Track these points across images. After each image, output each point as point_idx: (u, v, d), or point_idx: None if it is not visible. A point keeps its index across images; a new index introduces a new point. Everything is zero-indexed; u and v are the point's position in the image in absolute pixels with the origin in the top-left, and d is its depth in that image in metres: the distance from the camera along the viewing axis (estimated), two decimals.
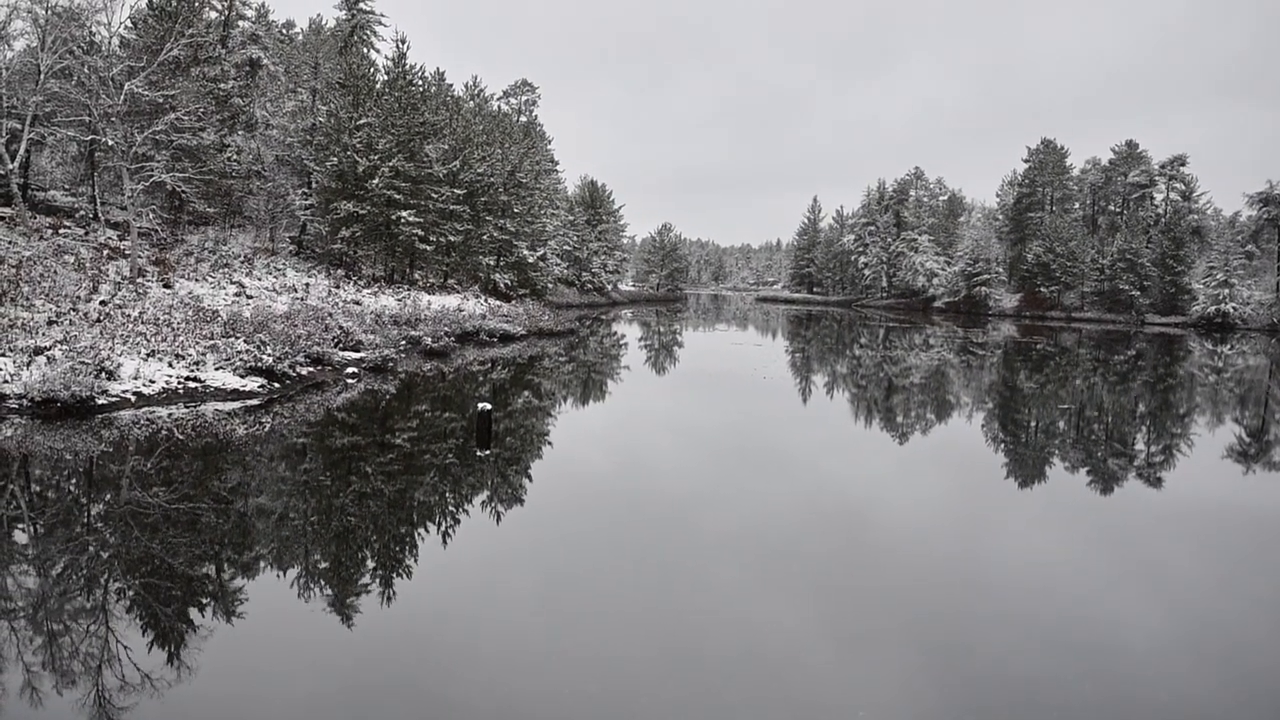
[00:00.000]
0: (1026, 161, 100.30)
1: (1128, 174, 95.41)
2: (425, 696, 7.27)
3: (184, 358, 21.12)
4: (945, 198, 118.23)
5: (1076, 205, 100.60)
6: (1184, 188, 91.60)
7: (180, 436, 16.24)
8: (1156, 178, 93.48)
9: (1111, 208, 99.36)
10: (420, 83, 52.46)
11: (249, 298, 32.09)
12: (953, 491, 15.66)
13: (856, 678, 7.85)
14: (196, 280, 32.47)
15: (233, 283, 33.80)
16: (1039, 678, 7.85)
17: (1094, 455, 19.05)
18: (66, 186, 41.83)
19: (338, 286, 40.06)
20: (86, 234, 33.86)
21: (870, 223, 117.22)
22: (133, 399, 18.55)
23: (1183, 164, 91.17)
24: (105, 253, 31.89)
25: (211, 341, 22.35)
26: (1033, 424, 23.63)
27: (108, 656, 7.69)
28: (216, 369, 21.20)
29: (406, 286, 46.59)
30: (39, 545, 10.61)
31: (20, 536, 10.91)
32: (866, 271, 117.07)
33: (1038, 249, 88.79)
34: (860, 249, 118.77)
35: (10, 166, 31.70)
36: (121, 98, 31.01)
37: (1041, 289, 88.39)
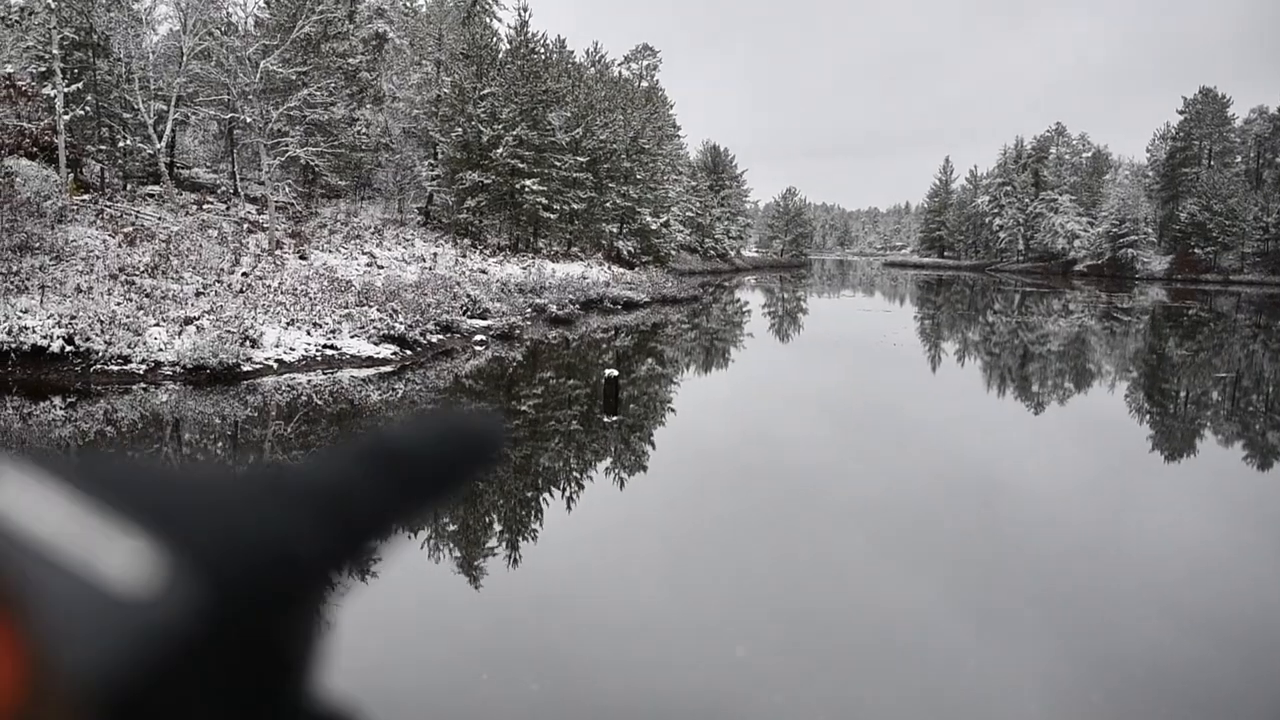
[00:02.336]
0: (1182, 113, 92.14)
1: None
2: (549, 660, 7.17)
3: (321, 326, 21.87)
4: (1089, 155, 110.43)
5: (1238, 159, 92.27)
6: None
7: (319, 402, 16.79)
8: None
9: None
10: (542, 50, 52.66)
11: (380, 268, 33.04)
12: (1094, 465, 14.65)
13: (989, 659, 7.32)
14: (330, 251, 33.65)
15: (364, 253, 34.88)
16: (1188, 667, 7.16)
17: (1253, 428, 17.52)
18: (208, 164, 44.05)
19: (464, 256, 40.85)
20: (228, 209, 35.57)
21: (1006, 182, 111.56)
22: (274, 366, 19.31)
23: None
24: (245, 226, 33.41)
25: (346, 310, 23.07)
26: (1183, 394, 21.99)
27: None
28: (352, 337, 21.86)
29: (531, 255, 47.12)
30: None
31: None
32: (1001, 234, 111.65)
33: (1192, 207, 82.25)
34: (995, 210, 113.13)
35: (158, 146, 33.48)
36: (258, 76, 32.27)
37: (1195, 250, 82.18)
